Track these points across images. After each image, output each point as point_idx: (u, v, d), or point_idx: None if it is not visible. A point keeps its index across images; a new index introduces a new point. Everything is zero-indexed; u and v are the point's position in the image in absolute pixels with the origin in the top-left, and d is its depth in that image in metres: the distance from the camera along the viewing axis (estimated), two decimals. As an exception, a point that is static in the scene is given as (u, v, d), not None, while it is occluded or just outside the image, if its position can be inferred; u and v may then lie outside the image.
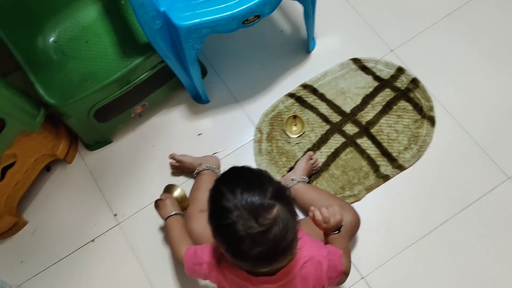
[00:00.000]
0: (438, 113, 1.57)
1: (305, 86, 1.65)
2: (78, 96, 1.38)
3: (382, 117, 1.57)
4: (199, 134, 1.62)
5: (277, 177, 1.51)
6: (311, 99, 1.62)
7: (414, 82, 1.62)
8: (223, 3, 1.28)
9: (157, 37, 1.30)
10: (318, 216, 1.10)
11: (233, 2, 1.28)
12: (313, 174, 1.51)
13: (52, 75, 1.44)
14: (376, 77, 1.64)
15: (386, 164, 1.51)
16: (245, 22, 1.32)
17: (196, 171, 1.49)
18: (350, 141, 1.55)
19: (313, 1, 1.50)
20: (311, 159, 1.49)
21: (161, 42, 1.32)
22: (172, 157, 1.52)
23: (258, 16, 1.33)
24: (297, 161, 1.51)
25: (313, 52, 1.72)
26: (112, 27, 1.53)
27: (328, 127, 1.58)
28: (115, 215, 1.54)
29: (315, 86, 1.64)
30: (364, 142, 1.54)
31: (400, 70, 1.64)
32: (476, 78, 1.62)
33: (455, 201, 1.45)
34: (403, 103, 1.59)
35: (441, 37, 1.70)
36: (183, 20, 1.26)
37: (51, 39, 1.52)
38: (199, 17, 1.27)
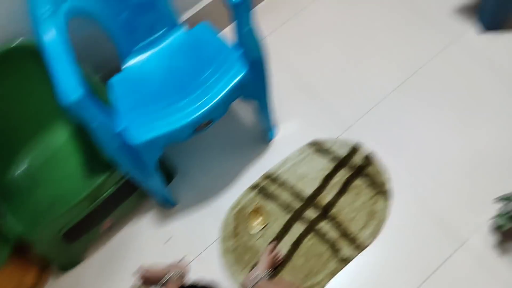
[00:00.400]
0: (394, 185, 1.60)
1: (267, 176, 1.69)
2: (46, 221, 1.42)
3: (340, 197, 1.60)
4: (168, 240, 1.64)
5: (242, 275, 1.51)
6: (272, 188, 1.66)
7: (368, 158, 1.66)
8: (176, 115, 1.35)
9: (117, 154, 1.36)
10: None
11: (184, 113, 1.35)
12: (278, 266, 1.51)
13: (21, 204, 1.47)
14: (333, 158, 1.69)
15: (346, 245, 1.51)
16: (198, 129, 1.38)
17: (164, 279, 1.49)
18: (311, 227, 1.56)
19: (264, 98, 1.55)
20: (272, 252, 1.50)
21: (122, 158, 1.38)
22: (140, 269, 1.54)
23: (210, 121, 1.39)
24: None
25: (274, 140, 1.77)
26: (78, 148, 1.59)
27: (289, 215, 1.60)
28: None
29: (276, 174, 1.69)
30: (324, 226, 1.56)
31: (355, 148, 1.69)
32: (428, 144, 1.66)
33: (417, 273, 1.45)
34: (358, 181, 1.62)
35: (393, 109, 1.75)
36: (139, 137, 1.33)
37: (24, 167, 1.57)
38: (153, 130, 1.33)
